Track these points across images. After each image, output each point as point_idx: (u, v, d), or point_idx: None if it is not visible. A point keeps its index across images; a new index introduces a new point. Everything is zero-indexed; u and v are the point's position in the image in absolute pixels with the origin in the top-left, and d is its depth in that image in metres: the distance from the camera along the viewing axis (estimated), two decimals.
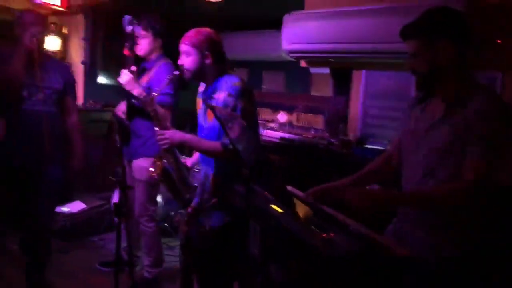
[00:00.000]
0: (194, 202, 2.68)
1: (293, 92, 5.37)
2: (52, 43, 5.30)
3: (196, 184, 2.69)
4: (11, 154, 2.88)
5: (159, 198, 4.59)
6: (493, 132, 1.61)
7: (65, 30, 5.43)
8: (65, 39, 5.44)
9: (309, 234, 1.63)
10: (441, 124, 1.74)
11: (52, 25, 5.31)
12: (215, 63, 2.42)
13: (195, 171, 2.88)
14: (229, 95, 2.34)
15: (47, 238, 3.16)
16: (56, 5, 4.70)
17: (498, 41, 2.54)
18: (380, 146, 3.02)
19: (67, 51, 5.47)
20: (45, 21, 3.00)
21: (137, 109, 3.02)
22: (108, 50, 5.00)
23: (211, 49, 2.39)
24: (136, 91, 2.87)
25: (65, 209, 4.49)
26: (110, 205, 4.54)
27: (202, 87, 2.63)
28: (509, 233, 2.02)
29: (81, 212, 4.49)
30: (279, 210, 1.92)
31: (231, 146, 2.26)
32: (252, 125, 2.61)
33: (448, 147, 1.68)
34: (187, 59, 2.40)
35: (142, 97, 2.84)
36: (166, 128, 2.51)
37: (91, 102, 5.28)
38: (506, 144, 1.64)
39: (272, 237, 1.92)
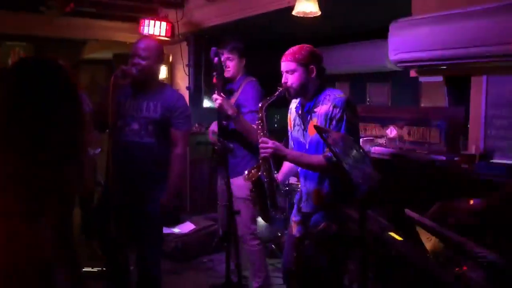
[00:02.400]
0: (297, 227, 2.59)
1: (401, 104, 5.05)
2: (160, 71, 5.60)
3: (283, 204, 2.68)
4: (110, 189, 2.80)
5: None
6: None
7: (170, 58, 5.71)
8: (171, 67, 5.72)
9: (438, 267, 1.43)
10: None
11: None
12: (318, 78, 2.45)
13: (285, 188, 2.86)
14: (334, 106, 2.34)
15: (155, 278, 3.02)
16: (162, 36, 4.95)
17: None
18: (509, 160, 2.66)
19: (173, 78, 5.75)
20: (150, 49, 2.83)
21: (230, 129, 3.11)
22: (210, 74, 5.15)
23: (315, 63, 2.43)
24: (231, 111, 2.95)
25: (176, 230, 4.65)
26: (218, 225, 4.62)
27: (294, 103, 2.64)
28: None
29: (192, 233, 4.61)
30: (398, 238, 1.73)
31: (335, 159, 2.20)
32: (357, 140, 2.49)
33: None
34: (293, 76, 2.42)
35: (235, 116, 2.94)
36: (268, 137, 2.51)
37: (196, 125, 5.46)
38: None
39: (390, 268, 1.73)
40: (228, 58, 3.30)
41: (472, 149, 2.84)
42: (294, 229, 2.66)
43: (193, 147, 5.35)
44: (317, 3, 3.13)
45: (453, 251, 1.55)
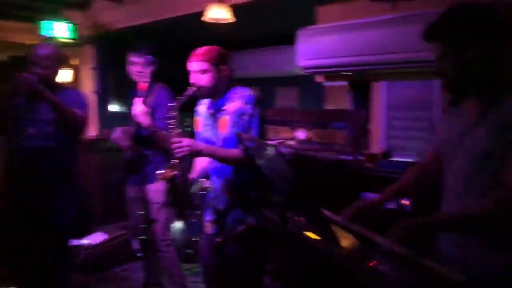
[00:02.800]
0: (212, 227, 2.62)
1: (308, 107, 5.29)
2: (63, 74, 5.30)
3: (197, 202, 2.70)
4: (15, 193, 2.77)
5: (179, 224, 4.51)
6: None
7: (75, 61, 5.43)
8: (76, 70, 5.44)
9: (352, 263, 1.53)
10: (475, 127, 1.61)
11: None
12: (227, 77, 2.46)
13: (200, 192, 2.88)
14: (246, 103, 2.38)
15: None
16: (65, 38, 4.69)
17: None
18: (407, 158, 2.91)
19: (78, 82, 5.47)
20: (51, 58, 2.80)
21: (145, 137, 3.04)
22: (117, 78, 4.97)
23: (226, 64, 2.44)
24: (147, 123, 2.88)
25: (85, 241, 4.42)
26: (130, 234, 4.48)
27: (202, 105, 2.66)
28: None
29: (103, 243, 4.42)
30: (315, 237, 1.82)
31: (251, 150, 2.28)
32: (264, 136, 2.57)
33: (486, 152, 1.55)
34: (204, 76, 2.40)
35: (151, 128, 2.88)
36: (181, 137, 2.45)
37: (104, 131, 5.24)
38: None
39: (309, 266, 1.82)
40: (145, 63, 3.20)
41: (375, 149, 3.06)
42: (209, 229, 2.67)
43: (102, 154, 5.13)
44: (229, 9, 3.17)
45: (365, 246, 1.66)
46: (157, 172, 2.62)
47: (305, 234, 1.83)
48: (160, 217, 3.18)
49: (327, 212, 1.96)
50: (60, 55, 2.90)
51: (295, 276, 1.85)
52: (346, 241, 1.61)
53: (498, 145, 1.54)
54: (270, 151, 1.88)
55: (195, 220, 4.32)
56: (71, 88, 3.02)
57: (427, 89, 2.88)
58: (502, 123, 1.53)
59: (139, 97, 3.17)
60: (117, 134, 3.28)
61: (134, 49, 3.22)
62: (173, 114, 2.49)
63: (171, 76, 3.49)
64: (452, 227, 1.63)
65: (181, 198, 2.61)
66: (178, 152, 2.39)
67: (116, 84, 5.25)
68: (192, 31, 4.45)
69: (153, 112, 3.15)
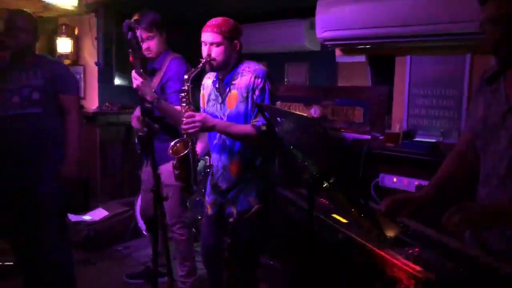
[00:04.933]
0: (213, 208, 2.51)
1: (318, 83, 5.10)
2: (63, 44, 5.10)
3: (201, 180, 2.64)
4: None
5: (187, 203, 4.39)
6: None
7: (76, 31, 5.21)
8: (77, 40, 5.23)
9: (389, 249, 1.38)
10: None
11: (62, 26, 5.11)
12: (239, 52, 2.41)
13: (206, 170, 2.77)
14: (256, 77, 2.32)
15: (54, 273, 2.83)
16: (66, 5, 4.47)
17: None
18: (431, 139, 2.75)
19: (79, 53, 5.26)
20: (31, 23, 2.76)
21: (155, 113, 2.81)
22: (122, 50, 4.76)
23: (239, 38, 2.39)
24: (150, 96, 2.64)
25: (87, 217, 4.30)
26: (134, 211, 4.36)
27: (208, 79, 2.58)
28: None
29: (104, 220, 4.31)
30: (343, 220, 1.68)
31: (264, 128, 2.25)
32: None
33: None
34: (218, 49, 2.33)
35: (155, 102, 2.65)
36: (193, 111, 2.37)
37: (107, 104, 5.07)
38: None
39: (337, 251, 1.67)
40: (148, 37, 2.97)
41: (396, 128, 2.89)
42: (210, 210, 2.57)
43: (104, 128, 4.97)
44: None
45: (407, 234, 1.52)
46: (170, 144, 2.50)
47: (334, 217, 1.69)
48: (173, 199, 3.04)
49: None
50: (36, 21, 2.82)
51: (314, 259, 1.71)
52: (386, 227, 1.46)
53: None
54: (300, 122, 1.72)
55: (198, 199, 4.21)
56: (55, 60, 2.88)
57: (454, 65, 2.70)
58: None
59: (150, 70, 3.00)
60: (135, 122, 3.07)
61: (136, 23, 2.96)
62: (185, 88, 2.37)
63: (182, 49, 3.27)
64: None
65: (192, 174, 2.50)
66: (190, 128, 2.27)
67: (121, 56, 5.03)
68: (201, 4, 4.24)
69: (165, 87, 2.96)
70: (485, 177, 1.62)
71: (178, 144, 2.52)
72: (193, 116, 2.29)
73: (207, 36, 2.33)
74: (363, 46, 2.96)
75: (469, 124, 1.77)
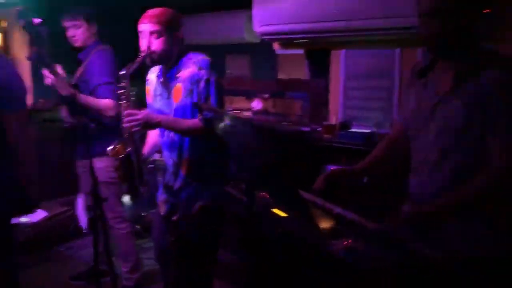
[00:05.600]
0: (164, 207, 2.49)
1: (260, 76, 5.14)
2: None
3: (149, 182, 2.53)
4: None
5: (127, 198, 4.32)
6: None
7: (5, 24, 4.94)
8: (6, 33, 4.96)
9: (325, 241, 1.46)
10: (451, 98, 1.53)
11: None
12: (181, 43, 2.29)
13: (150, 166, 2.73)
14: (200, 68, 2.22)
15: None
16: None
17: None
18: (366, 129, 2.88)
19: (9, 47, 4.99)
20: None
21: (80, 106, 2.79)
22: (57, 44, 4.58)
23: (179, 28, 2.27)
24: (65, 91, 2.60)
25: (24, 219, 4.14)
26: (74, 210, 4.25)
27: (152, 73, 2.47)
28: None
29: (43, 220, 4.16)
30: (283, 214, 1.73)
31: (211, 121, 2.14)
32: (223, 100, 2.42)
33: (463, 125, 1.49)
34: (158, 41, 2.20)
35: (70, 95, 2.62)
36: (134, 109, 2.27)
37: (41, 101, 4.86)
38: None
39: (277, 245, 1.73)
40: (73, 25, 2.93)
41: (332, 120, 3.00)
42: (162, 209, 2.53)
43: (40, 126, 4.76)
44: None
45: (342, 225, 1.59)
46: (107, 149, 2.41)
47: (273, 212, 1.74)
48: (108, 194, 2.99)
49: (304, 193, 1.86)
50: None
51: (262, 253, 1.76)
52: (321, 219, 1.53)
53: (477, 120, 1.48)
54: (233, 122, 1.75)
55: (143, 194, 4.15)
56: None
57: (385, 58, 2.83)
58: (482, 95, 1.46)
59: (51, 66, 2.90)
60: (65, 112, 3.01)
61: (66, 13, 2.93)
62: (123, 83, 2.28)
63: (116, 43, 3.21)
64: (452, 212, 1.57)
65: (136, 176, 2.43)
66: (131, 126, 2.20)
67: (55, 50, 4.82)
68: None
69: (87, 79, 2.90)
70: (416, 166, 1.71)
71: (118, 146, 2.42)
72: (134, 114, 2.19)
73: (146, 26, 2.21)
74: (300, 40, 3.03)
75: (401, 115, 1.86)
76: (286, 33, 2.94)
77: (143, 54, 2.21)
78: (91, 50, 2.98)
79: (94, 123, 2.89)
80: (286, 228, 1.60)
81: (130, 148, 2.33)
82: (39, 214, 4.25)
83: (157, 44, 2.21)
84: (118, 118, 2.47)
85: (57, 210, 4.32)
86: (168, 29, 2.21)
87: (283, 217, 1.71)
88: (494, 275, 1.50)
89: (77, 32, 2.95)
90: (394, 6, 2.42)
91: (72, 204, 4.26)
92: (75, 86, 2.85)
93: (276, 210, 1.76)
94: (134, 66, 2.24)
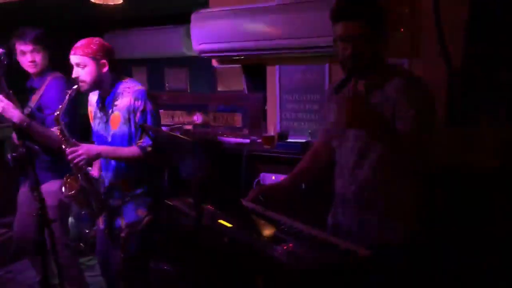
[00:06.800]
0: (103, 223, 2.57)
1: (199, 89, 5.26)
2: None
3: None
4: None
5: (70, 217, 4.26)
6: (420, 103, 1.69)
7: None
8: None
9: (268, 247, 1.60)
10: None
11: None
12: (112, 70, 2.41)
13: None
14: (136, 99, 2.37)
15: None
16: None
17: (401, 29, 2.68)
18: (302, 139, 3.08)
19: None
20: None
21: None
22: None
23: (106, 57, 2.38)
24: (16, 118, 2.60)
25: None
26: (12, 232, 4.12)
27: (93, 96, 2.58)
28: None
29: None
30: (229, 224, 1.86)
31: (149, 149, 2.36)
32: (160, 126, 2.56)
33: (376, 126, 1.69)
34: (84, 71, 2.34)
35: (24, 124, 2.62)
36: (74, 145, 2.36)
37: None
38: (431, 111, 1.73)
39: (225, 254, 1.86)
40: (34, 50, 2.88)
41: (271, 131, 3.17)
42: (101, 223, 2.62)
43: None
44: None
45: (282, 231, 1.75)
46: (63, 191, 2.47)
47: (220, 223, 1.87)
48: (55, 219, 2.98)
49: (245, 202, 2.02)
50: None
51: (209, 264, 1.89)
52: (264, 227, 1.67)
53: (388, 119, 1.71)
54: (176, 140, 1.87)
55: (83, 212, 4.13)
56: None
57: (316, 73, 3.04)
58: (389, 99, 1.72)
59: (29, 87, 2.89)
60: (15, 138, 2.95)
61: (19, 36, 2.87)
62: (59, 124, 2.34)
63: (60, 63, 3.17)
64: None
65: (94, 202, 2.51)
66: (76, 162, 2.29)
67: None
68: (79, 11, 4.12)
69: (43, 108, 2.89)
70: (339, 170, 1.97)
71: (69, 180, 2.51)
72: (75, 151, 2.30)
73: (74, 58, 2.34)
74: (237, 58, 3.19)
75: (323, 128, 2.14)
76: (223, 51, 3.08)
77: (73, 88, 2.33)
78: (45, 78, 2.94)
79: (42, 147, 2.86)
80: (232, 237, 1.73)
81: (81, 181, 2.42)
82: None
83: (84, 75, 2.34)
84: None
85: None
86: (93, 59, 2.33)
87: (229, 227, 1.84)
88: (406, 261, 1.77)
89: (37, 57, 2.90)
90: (320, 27, 2.61)
91: (10, 226, 4.14)
92: (30, 115, 2.82)
93: (222, 221, 1.89)
94: (64, 105, 2.33)
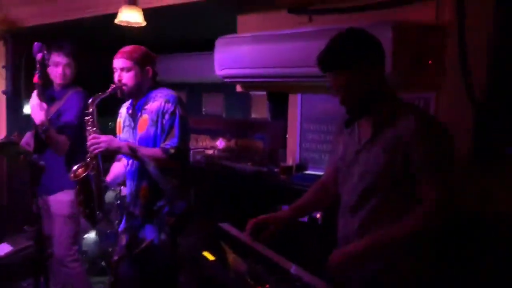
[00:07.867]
0: (125, 237, 2.50)
1: (233, 114, 5.24)
2: None
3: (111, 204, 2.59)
4: None
5: (93, 234, 4.30)
6: (436, 152, 1.58)
7: None
8: None
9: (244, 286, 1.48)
10: (371, 145, 1.69)
11: None
12: (152, 80, 2.45)
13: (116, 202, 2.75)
14: (167, 101, 2.36)
15: None
16: None
17: (429, 61, 2.53)
18: (320, 172, 2.93)
19: None
20: None
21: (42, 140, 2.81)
22: (32, 78, 4.66)
23: (150, 65, 2.44)
24: (39, 119, 2.67)
25: None
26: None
27: (124, 107, 2.60)
28: None
29: (9, 255, 4.12)
30: (211, 257, 1.76)
31: (172, 151, 2.29)
32: (188, 135, 2.48)
33: (382, 169, 1.63)
34: (127, 74, 2.37)
35: (43, 127, 2.69)
36: (98, 133, 2.36)
37: (15, 134, 4.89)
38: (448, 161, 1.60)
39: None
40: (67, 63, 3.01)
41: (289, 161, 3.05)
42: (124, 239, 2.56)
43: (12, 159, 4.79)
44: (141, 13, 3.04)
45: (261, 266, 1.62)
46: (72, 169, 2.46)
47: (202, 254, 1.77)
48: (64, 230, 3.01)
49: (229, 228, 1.92)
50: None
51: None
52: (234, 262, 1.56)
53: (398, 164, 1.60)
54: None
55: (109, 231, 4.14)
56: None
57: (338, 103, 2.90)
58: (400, 141, 1.60)
59: (48, 97, 2.97)
60: (26, 138, 3.07)
61: (57, 47, 2.99)
62: (90, 110, 2.38)
63: (88, 78, 3.27)
64: (383, 252, 1.63)
65: (95, 200, 2.45)
66: (94, 149, 2.29)
67: (29, 84, 4.90)
68: (109, 33, 4.25)
69: (60, 115, 2.96)
70: (342, 209, 1.83)
71: (79, 169, 2.47)
72: (97, 137, 2.30)
73: (118, 62, 2.38)
74: (259, 84, 3.12)
75: (331, 161, 2.00)
76: (245, 77, 3.03)
77: (113, 87, 2.36)
78: (67, 90, 3.05)
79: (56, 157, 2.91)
80: (211, 272, 1.62)
81: (89, 171, 2.39)
82: (4, 248, 4.22)
83: (127, 78, 2.37)
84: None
85: (22, 244, 4.28)
86: (138, 64, 2.38)
87: (211, 260, 1.73)
88: None
89: (68, 71, 3.03)
90: None
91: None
92: (48, 121, 2.90)
93: (206, 253, 1.79)
94: (102, 95, 2.38)
